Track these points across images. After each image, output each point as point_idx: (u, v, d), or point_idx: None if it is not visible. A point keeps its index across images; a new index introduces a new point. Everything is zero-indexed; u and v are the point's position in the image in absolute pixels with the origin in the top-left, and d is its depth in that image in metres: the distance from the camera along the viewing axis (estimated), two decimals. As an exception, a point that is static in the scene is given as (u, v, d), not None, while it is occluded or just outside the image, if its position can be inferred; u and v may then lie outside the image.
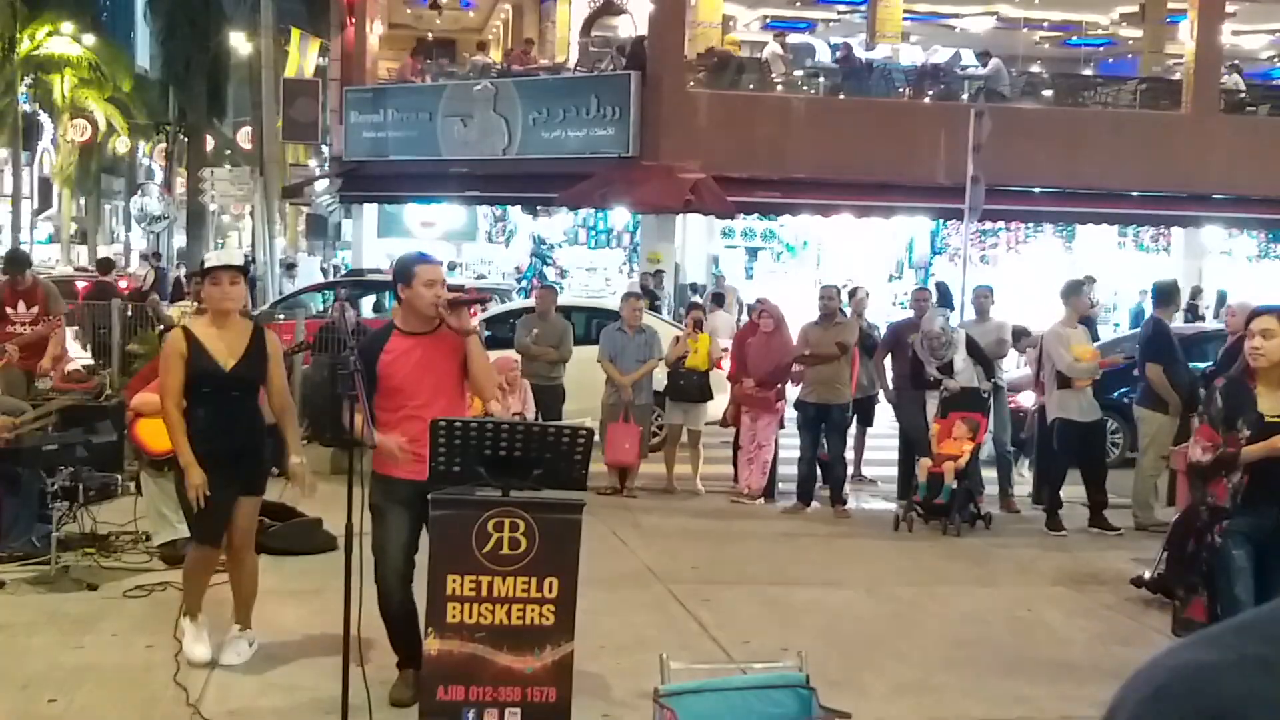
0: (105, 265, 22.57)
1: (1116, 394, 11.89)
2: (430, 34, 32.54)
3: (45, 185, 48.00)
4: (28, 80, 40.38)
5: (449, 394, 5.47)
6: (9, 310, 10.72)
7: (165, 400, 5.81)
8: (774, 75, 22.94)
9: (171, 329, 9.32)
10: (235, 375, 5.82)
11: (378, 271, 22.04)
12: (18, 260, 11.56)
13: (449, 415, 5.22)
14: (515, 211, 26.13)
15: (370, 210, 26.50)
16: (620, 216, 24.16)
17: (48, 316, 10.77)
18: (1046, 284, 20.35)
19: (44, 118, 44.00)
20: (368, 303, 19.45)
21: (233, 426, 5.83)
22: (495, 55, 28.53)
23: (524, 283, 24.40)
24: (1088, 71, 30.36)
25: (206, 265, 6.12)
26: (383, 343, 5.43)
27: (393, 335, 5.45)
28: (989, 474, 10.97)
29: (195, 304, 11.58)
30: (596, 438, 6.77)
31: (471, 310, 5.66)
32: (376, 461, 5.38)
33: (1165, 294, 10.54)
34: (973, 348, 10.60)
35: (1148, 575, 7.85)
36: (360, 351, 5.31)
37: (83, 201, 51.58)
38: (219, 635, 6.10)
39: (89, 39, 42.35)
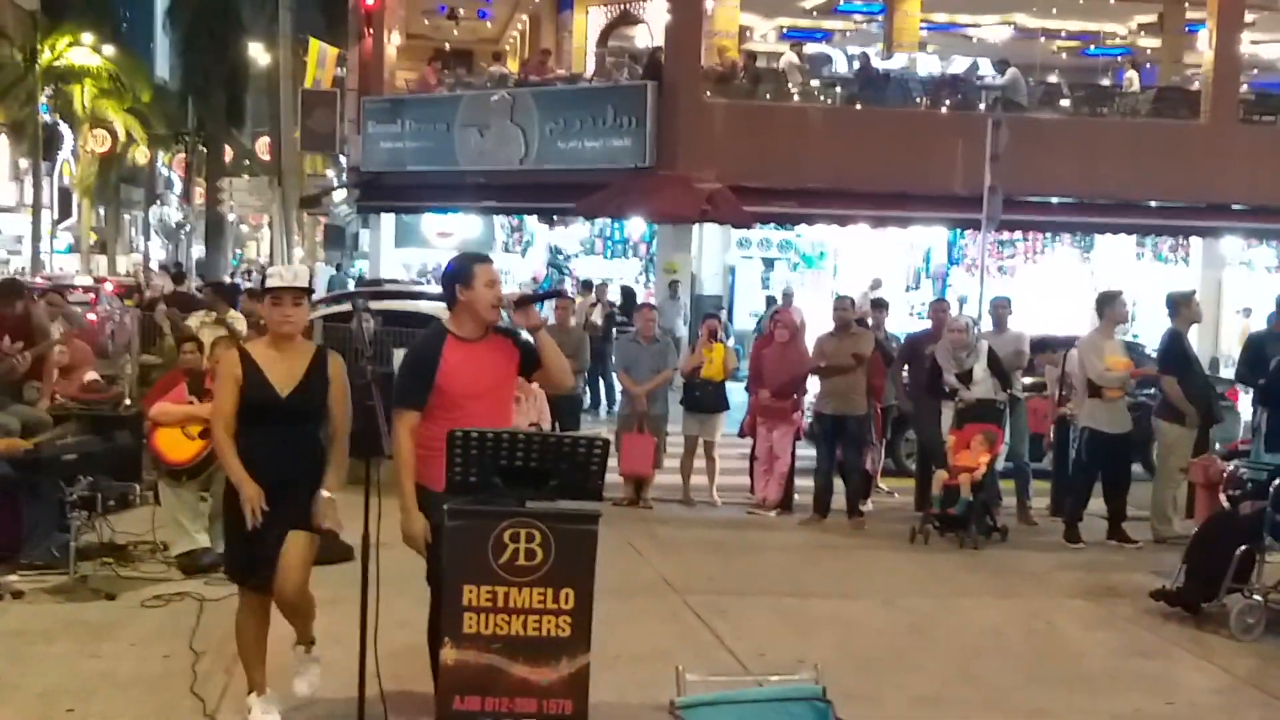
0: (179, 276, 23.02)
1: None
2: (448, 44, 32.64)
3: (65, 195, 48.19)
4: (48, 91, 40.63)
5: (503, 400, 5.46)
6: None
7: (215, 423, 5.35)
8: (791, 85, 22.93)
9: (190, 339, 9.38)
10: (291, 404, 5.26)
11: (395, 282, 22.10)
12: (5, 290, 10.76)
13: (501, 420, 5.25)
14: (532, 221, 26.18)
15: (388, 220, 26.59)
16: (636, 226, 24.18)
17: (24, 354, 10.09)
18: (1064, 294, 20.32)
19: (64, 128, 44.22)
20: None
21: (285, 455, 5.24)
22: (512, 65, 28.61)
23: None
24: (1105, 81, 30.24)
25: (268, 284, 5.37)
26: (438, 350, 5.28)
27: (447, 342, 5.29)
28: (1006, 485, 10.93)
29: (213, 316, 11.60)
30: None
31: (547, 305, 5.54)
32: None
33: (1179, 305, 10.43)
34: (992, 360, 10.54)
35: (1167, 588, 7.81)
36: (413, 357, 5.29)
37: (102, 211, 51.83)
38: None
39: (109, 50, 42.63)
